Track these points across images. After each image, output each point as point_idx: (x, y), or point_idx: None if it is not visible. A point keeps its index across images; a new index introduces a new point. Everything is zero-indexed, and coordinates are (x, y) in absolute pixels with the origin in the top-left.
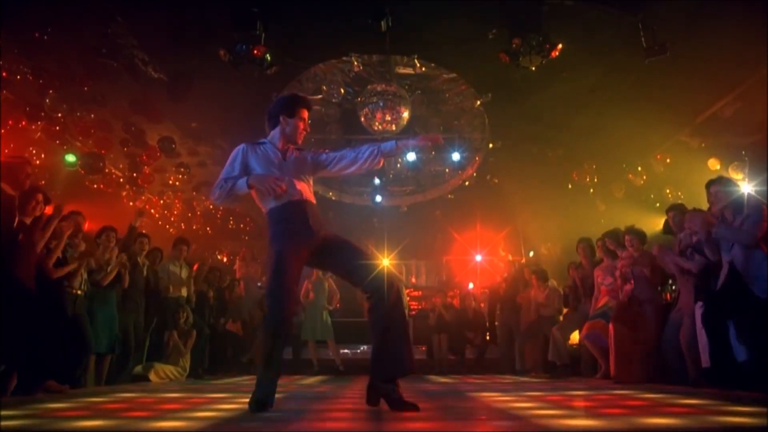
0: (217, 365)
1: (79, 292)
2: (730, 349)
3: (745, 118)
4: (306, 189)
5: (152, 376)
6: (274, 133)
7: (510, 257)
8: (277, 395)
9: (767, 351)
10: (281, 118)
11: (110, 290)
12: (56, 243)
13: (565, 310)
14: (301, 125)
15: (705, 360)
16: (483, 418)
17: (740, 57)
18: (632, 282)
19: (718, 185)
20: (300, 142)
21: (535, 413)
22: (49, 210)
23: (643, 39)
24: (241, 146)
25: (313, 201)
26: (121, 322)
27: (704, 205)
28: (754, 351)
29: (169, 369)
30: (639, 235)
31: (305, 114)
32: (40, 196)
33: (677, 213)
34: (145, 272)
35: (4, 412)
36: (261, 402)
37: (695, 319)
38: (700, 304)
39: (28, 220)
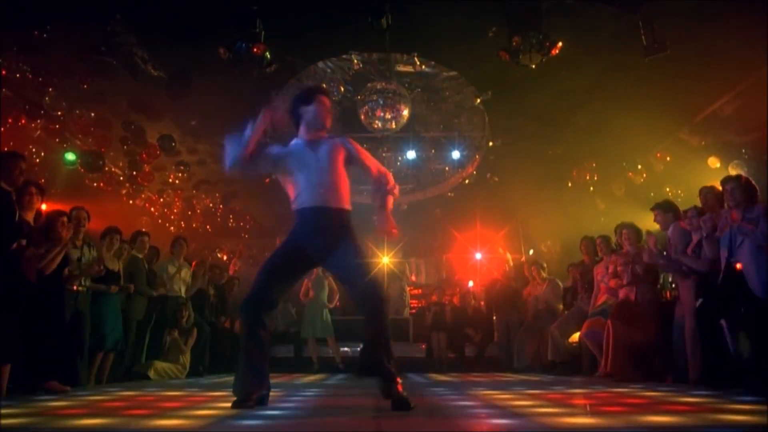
0: (217, 363)
1: (80, 288)
2: (728, 347)
3: (745, 117)
4: (329, 189)
5: (152, 374)
6: (301, 130)
7: (508, 256)
8: (277, 393)
9: (765, 350)
10: (300, 110)
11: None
12: (57, 249)
13: (563, 309)
14: (321, 108)
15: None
16: (483, 416)
17: (740, 55)
18: (635, 287)
19: (734, 182)
20: (327, 125)
21: (535, 411)
22: (47, 206)
23: (643, 37)
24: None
25: (335, 205)
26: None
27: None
28: (752, 350)
29: (168, 367)
30: (635, 231)
31: (323, 99)
32: (33, 189)
33: (661, 211)
34: (145, 270)
35: (4, 411)
36: (237, 397)
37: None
38: (701, 300)
39: (27, 215)
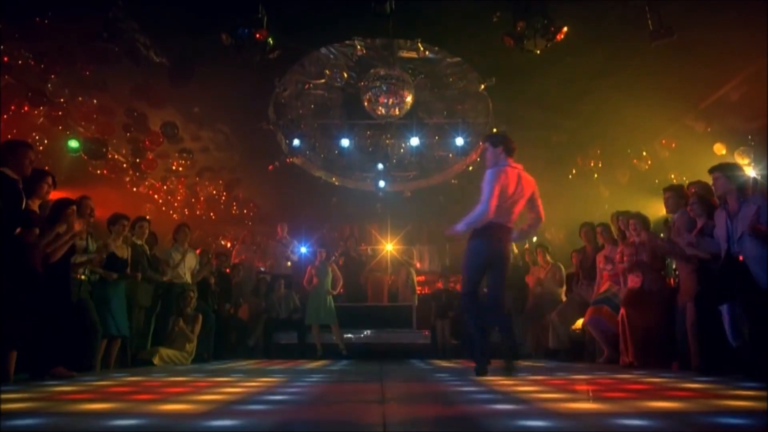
0: (221, 350)
1: (83, 277)
2: (724, 334)
3: (751, 103)
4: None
5: (156, 361)
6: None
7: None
8: (281, 379)
9: (765, 337)
10: None
11: (121, 276)
12: (67, 236)
13: (564, 295)
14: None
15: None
16: (486, 401)
17: (747, 40)
18: (641, 274)
19: (718, 171)
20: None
21: (538, 397)
22: (55, 195)
23: (649, 22)
24: None
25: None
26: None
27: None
28: (753, 337)
29: (173, 353)
30: (643, 221)
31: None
32: (50, 179)
33: (674, 194)
34: (145, 257)
35: (11, 396)
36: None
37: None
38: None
39: (34, 205)
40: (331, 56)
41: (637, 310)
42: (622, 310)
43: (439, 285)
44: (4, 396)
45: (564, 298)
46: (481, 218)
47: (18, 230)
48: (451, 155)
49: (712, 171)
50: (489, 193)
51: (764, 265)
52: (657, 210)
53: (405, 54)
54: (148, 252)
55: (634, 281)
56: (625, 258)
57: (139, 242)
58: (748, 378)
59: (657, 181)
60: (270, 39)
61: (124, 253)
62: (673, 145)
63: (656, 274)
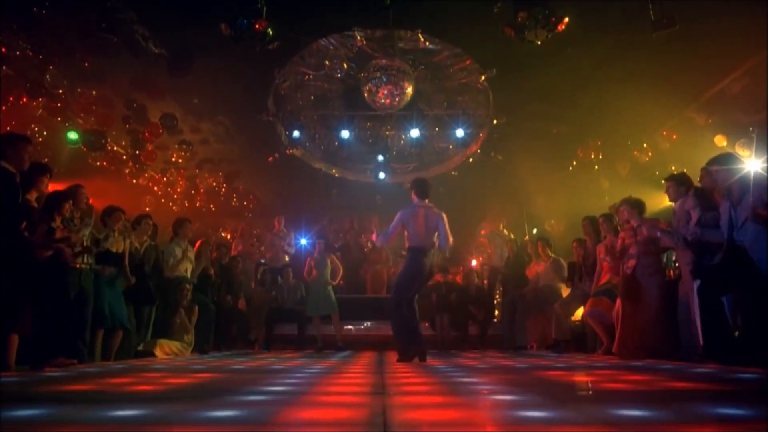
0: (221, 342)
1: (84, 266)
2: (727, 325)
3: (753, 95)
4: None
5: (158, 352)
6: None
7: (512, 235)
8: (280, 371)
9: (765, 327)
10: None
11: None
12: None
13: (566, 291)
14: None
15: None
16: (485, 392)
17: (749, 32)
18: (634, 259)
19: (717, 164)
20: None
21: (538, 388)
22: (53, 187)
23: (651, 12)
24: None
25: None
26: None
27: None
28: (753, 326)
29: (174, 345)
30: (635, 205)
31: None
32: (49, 174)
33: (675, 183)
34: (144, 251)
35: (12, 386)
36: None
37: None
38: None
39: (32, 196)
40: (331, 47)
41: (633, 302)
42: (619, 301)
43: (439, 278)
44: (4, 386)
45: (564, 293)
46: (379, 242)
47: (19, 222)
48: (451, 147)
49: (710, 164)
50: (393, 228)
51: (766, 250)
52: (658, 202)
53: (405, 45)
54: (141, 251)
55: (628, 265)
56: (627, 241)
57: (137, 243)
58: (748, 367)
59: (657, 172)
60: (270, 30)
61: (120, 246)
62: (674, 137)
63: (651, 260)
